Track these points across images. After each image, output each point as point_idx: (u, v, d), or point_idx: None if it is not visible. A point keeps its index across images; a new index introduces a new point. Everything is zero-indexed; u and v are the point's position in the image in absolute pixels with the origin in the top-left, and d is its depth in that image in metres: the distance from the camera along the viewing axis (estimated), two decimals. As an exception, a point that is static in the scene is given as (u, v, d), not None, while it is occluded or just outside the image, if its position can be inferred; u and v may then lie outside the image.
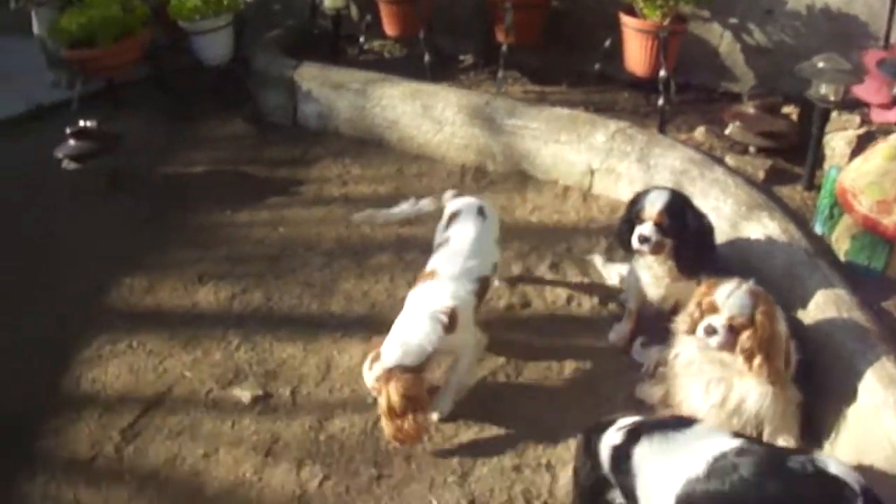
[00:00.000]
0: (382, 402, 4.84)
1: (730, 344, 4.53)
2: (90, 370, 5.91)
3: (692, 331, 4.69)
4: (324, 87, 8.21)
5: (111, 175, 7.79)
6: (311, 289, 6.31)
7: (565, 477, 4.75)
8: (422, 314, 4.97)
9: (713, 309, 4.55)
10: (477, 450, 5.06)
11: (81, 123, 7.74)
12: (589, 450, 4.28)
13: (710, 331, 4.53)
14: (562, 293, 6.11)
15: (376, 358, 4.94)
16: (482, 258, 5.22)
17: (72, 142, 7.69)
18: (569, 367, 5.57)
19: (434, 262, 5.27)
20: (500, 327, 5.79)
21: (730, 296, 4.53)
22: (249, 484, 5.00)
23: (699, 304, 4.65)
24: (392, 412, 4.84)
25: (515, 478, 4.89)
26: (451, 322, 4.94)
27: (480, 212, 5.47)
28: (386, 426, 4.90)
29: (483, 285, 5.19)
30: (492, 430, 5.17)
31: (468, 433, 5.16)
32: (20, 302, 6.58)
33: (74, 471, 5.28)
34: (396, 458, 5.04)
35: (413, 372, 4.85)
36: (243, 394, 5.52)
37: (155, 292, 6.51)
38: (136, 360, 5.94)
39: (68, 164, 7.69)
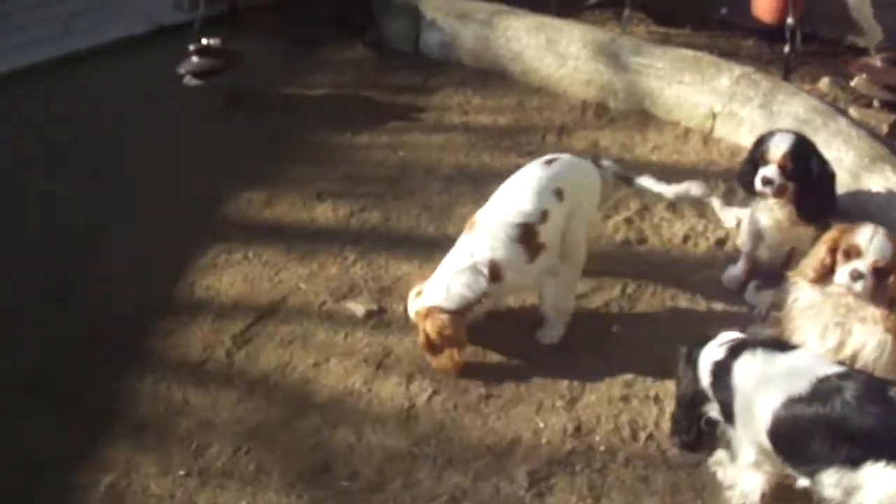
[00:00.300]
0: (420, 336, 5.03)
1: (873, 289, 4.42)
2: (205, 278, 6.02)
3: (821, 277, 4.59)
4: (448, 16, 8.16)
5: (232, 93, 7.85)
6: (429, 211, 6.32)
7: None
8: (465, 264, 5.02)
9: (857, 253, 4.44)
10: (586, 377, 5.06)
11: (204, 41, 7.79)
12: (690, 362, 4.29)
13: (857, 275, 4.41)
14: (678, 232, 6.06)
15: (420, 293, 5.09)
16: (524, 206, 5.08)
17: (195, 59, 7.75)
18: (682, 304, 5.53)
19: (479, 212, 5.24)
20: (615, 261, 5.79)
21: (872, 239, 4.42)
22: (359, 394, 5.07)
23: (833, 249, 4.55)
24: (428, 347, 5.04)
25: (623, 407, 4.89)
26: (492, 273, 4.98)
27: (548, 162, 5.29)
28: (429, 359, 5.13)
29: (526, 231, 5.04)
30: (602, 360, 5.16)
31: (579, 360, 5.15)
32: (140, 211, 6.70)
33: (185, 372, 5.39)
34: (506, 379, 5.06)
35: (452, 314, 4.96)
36: (357, 307, 5.56)
37: (273, 207, 6.58)
38: (251, 270, 6.02)
39: (190, 81, 7.77)
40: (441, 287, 5.02)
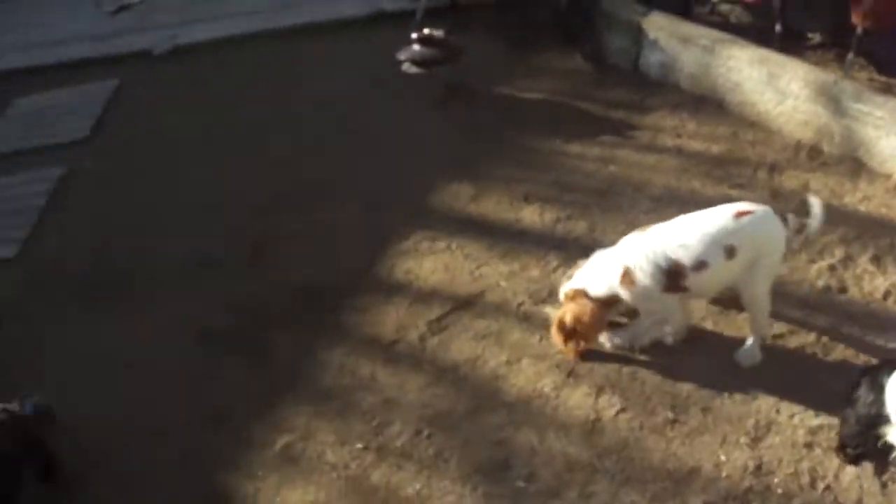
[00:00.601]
0: (557, 314, 5.18)
1: None
2: (406, 261, 6.16)
3: None
4: (672, 38, 8.09)
5: (451, 85, 7.93)
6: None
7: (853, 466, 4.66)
8: (611, 259, 5.16)
9: None
10: (773, 418, 4.99)
11: (427, 31, 7.90)
12: (874, 385, 4.28)
13: None
14: (880, 286, 5.90)
15: (570, 277, 5.26)
16: (689, 246, 5.03)
17: (416, 47, 7.87)
18: (875, 360, 5.41)
19: (659, 224, 5.26)
20: (814, 306, 5.67)
21: None
22: (547, 398, 5.11)
23: None
24: (559, 327, 5.15)
25: (805, 454, 4.81)
26: (623, 279, 5.05)
27: (739, 215, 5.13)
28: (553, 335, 5.23)
29: (676, 269, 5.01)
30: (791, 403, 5.08)
31: (767, 399, 5.08)
32: (347, 186, 6.92)
33: (375, 349, 5.55)
34: (694, 407, 5.03)
35: (594, 303, 5.10)
36: (555, 313, 5.55)
37: (479, 202, 6.66)
38: (452, 260, 6.12)
39: (409, 68, 7.88)
40: (587, 275, 5.19)
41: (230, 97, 8.89)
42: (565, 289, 5.27)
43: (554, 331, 5.23)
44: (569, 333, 5.15)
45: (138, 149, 8.42)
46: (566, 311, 5.13)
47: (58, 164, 8.41)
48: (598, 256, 5.26)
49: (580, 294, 5.14)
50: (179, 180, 7.69)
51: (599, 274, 5.15)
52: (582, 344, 5.20)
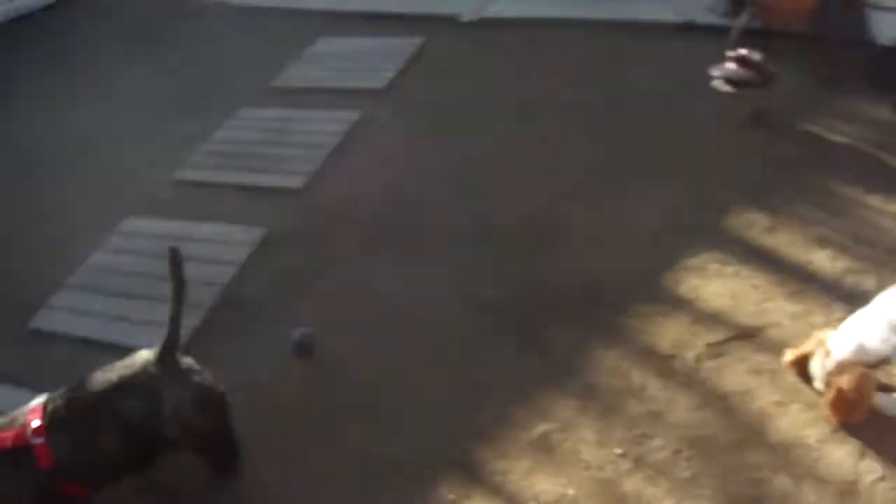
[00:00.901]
0: (831, 393, 5.04)
1: None
2: (692, 278, 6.23)
3: None
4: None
5: (756, 110, 7.90)
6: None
7: None
8: (883, 318, 4.94)
9: None
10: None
11: (744, 52, 7.89)
12: None
13: None
14: None
15: (828, 353, 5.08)
16: None
17: (731, 66, 7.89)
18: None
19: None
20: None
21: None
22: (809, 449, 5.09)
23: None
24: (839, 404, 5.03)
25: None
26: None
27: None
28: (832, 415, 5.09)
29: None
30: None
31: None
32: (640, 192, 7.13)
33: (650, 360, 5.66)
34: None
35: (867, 368, 4.96)
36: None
37: (774, 235, 6.63)
38: (739, 287, 6.14)
39: (721, 86, 7.91)
40: (856, 341, 5.03)
41: (527, 76, 9.09)
42: (826, 365, 5.15)
43: (835, 411, 5.13)
44: (852, 405, 5.06)
45: (432, 110, 8.71)
46: (843, 384, 5.02)
47: (353, 109, 8.80)
48: (858, 318, 5.14)
49: (849, 366, 5.03)
50: (467, 150, 7.93)
51: (871, 335, 5.00)
52: (860, 413, 5.11)
